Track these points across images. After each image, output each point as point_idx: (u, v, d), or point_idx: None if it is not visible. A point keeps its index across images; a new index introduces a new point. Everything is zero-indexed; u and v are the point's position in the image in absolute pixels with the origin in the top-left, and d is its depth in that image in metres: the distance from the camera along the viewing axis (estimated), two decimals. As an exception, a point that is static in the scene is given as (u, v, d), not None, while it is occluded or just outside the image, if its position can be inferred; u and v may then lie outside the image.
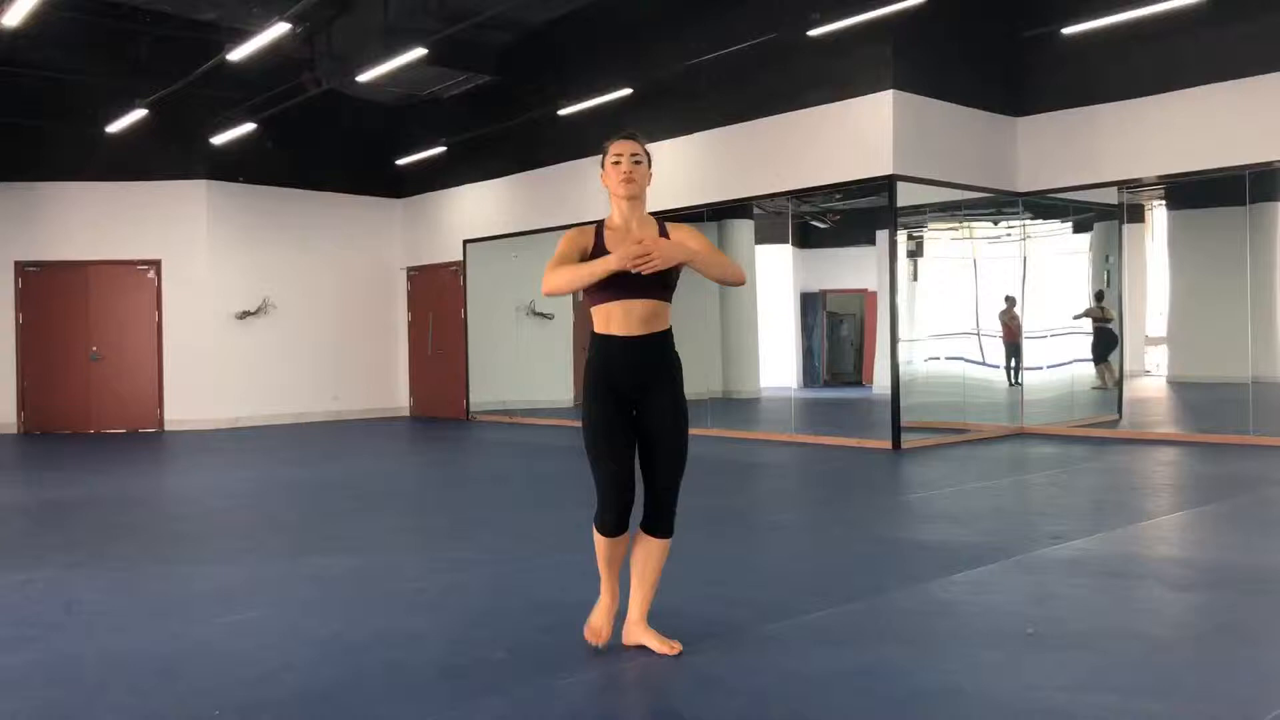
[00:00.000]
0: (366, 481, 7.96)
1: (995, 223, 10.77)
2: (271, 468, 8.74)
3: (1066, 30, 8.90)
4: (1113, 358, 11.16)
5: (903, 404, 9.23)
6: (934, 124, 9.27)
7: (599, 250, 3.18)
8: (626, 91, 10.25)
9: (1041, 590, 3.96)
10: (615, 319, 3.15)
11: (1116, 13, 8.38)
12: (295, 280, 13.42)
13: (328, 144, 13.35)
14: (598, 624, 3.26)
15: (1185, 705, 2.69)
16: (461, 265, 13.64)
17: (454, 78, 10.58)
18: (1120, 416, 11.30)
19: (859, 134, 9.09)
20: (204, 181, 12.68)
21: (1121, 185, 9.87)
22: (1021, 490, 6.71)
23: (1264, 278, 13.12)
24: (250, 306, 13.08)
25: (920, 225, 10.24)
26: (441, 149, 12.77)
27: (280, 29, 8.13)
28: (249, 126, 11.36)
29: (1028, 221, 10.58)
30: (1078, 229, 11.36)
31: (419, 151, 13.06)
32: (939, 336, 10.65)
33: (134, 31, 10.45)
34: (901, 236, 9.87)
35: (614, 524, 3.16)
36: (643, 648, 3.24)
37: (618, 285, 3.10)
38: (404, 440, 11.42)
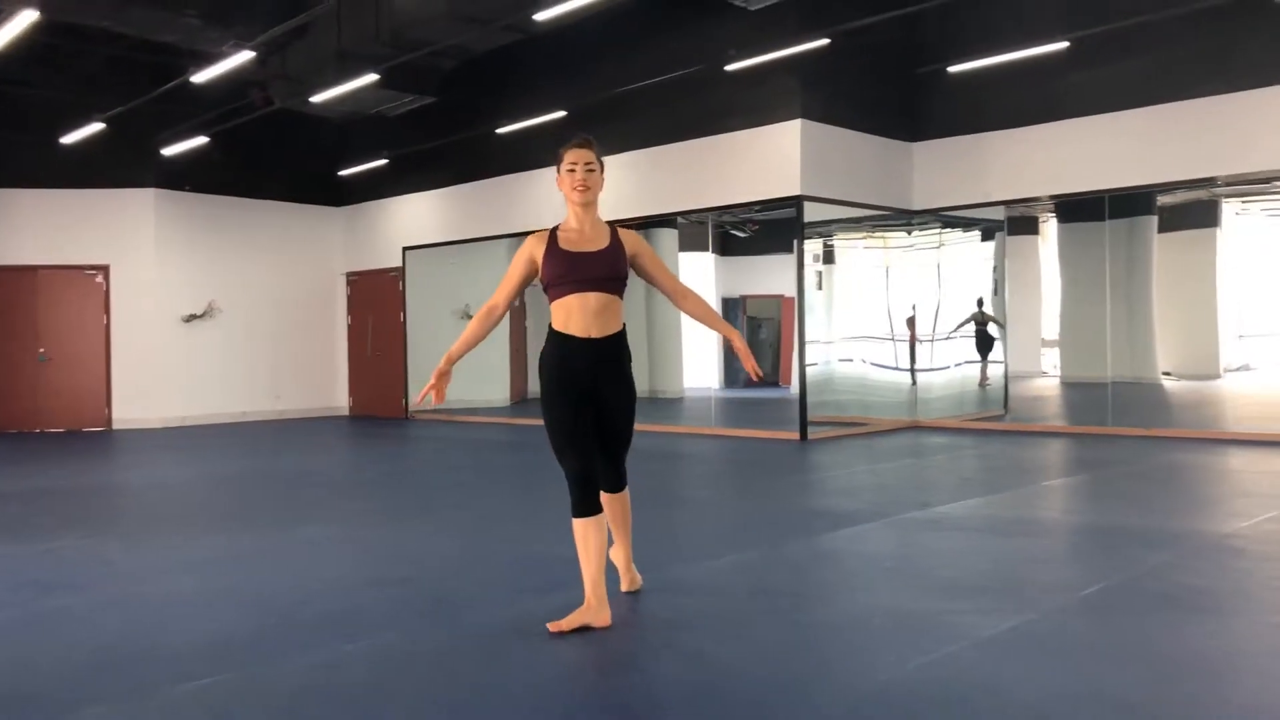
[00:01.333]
0: (327, 471, 8.72)
1: (905, 233, 11.88)
2: (228, 460, 9.43)
3: (953, 68, 10.06)
4: (991, 358, 12.39)
5: (811, 400, 10.29)
6: (837, 149, 10.36)
7: (551, 252, 3.44)
8: (561, 114, 11.15)
9: (902, 540, 4.98)
10: (574, 315, 3.40)
11: (995, 55, 9.56)
12: (240, 285, 14.01)
13: (273, 155, 13.97)
14: (574, 621, 3.40)
15: (988, 602, 3.69)
16: (401, 271, 14.38)
17: (400, 99, 11.35)
18: (1006, 411, 12.53)
19: (770, 158, 10.12)
20: (152, 190, 13.22)
21: (1003, 204, 11.09)
22: (904, 471, 7.78)
23: (1131, 286, 14.67)
24: (196, 310, 13.64)
25: (832, 235, 11.33)
26: (384, 161, 13.52)
27: (244, 56, 8.85)
28: (201, 140, 11.96)
29: (927, 233, 11.74)
30: (975, 240, 12.56)
31: (362, 163, 13.79)
32: (849, 339, 11.75)
33: (95, 50, 11.01)
34: (817, 245, 10.97)
35: (587, 507, 3.45)
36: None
37: (572, 276, 3.38)
38: (352, 437, 12.13)
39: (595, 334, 3.42)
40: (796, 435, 10.07)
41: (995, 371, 12.43)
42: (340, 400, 15.24)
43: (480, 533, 5.47)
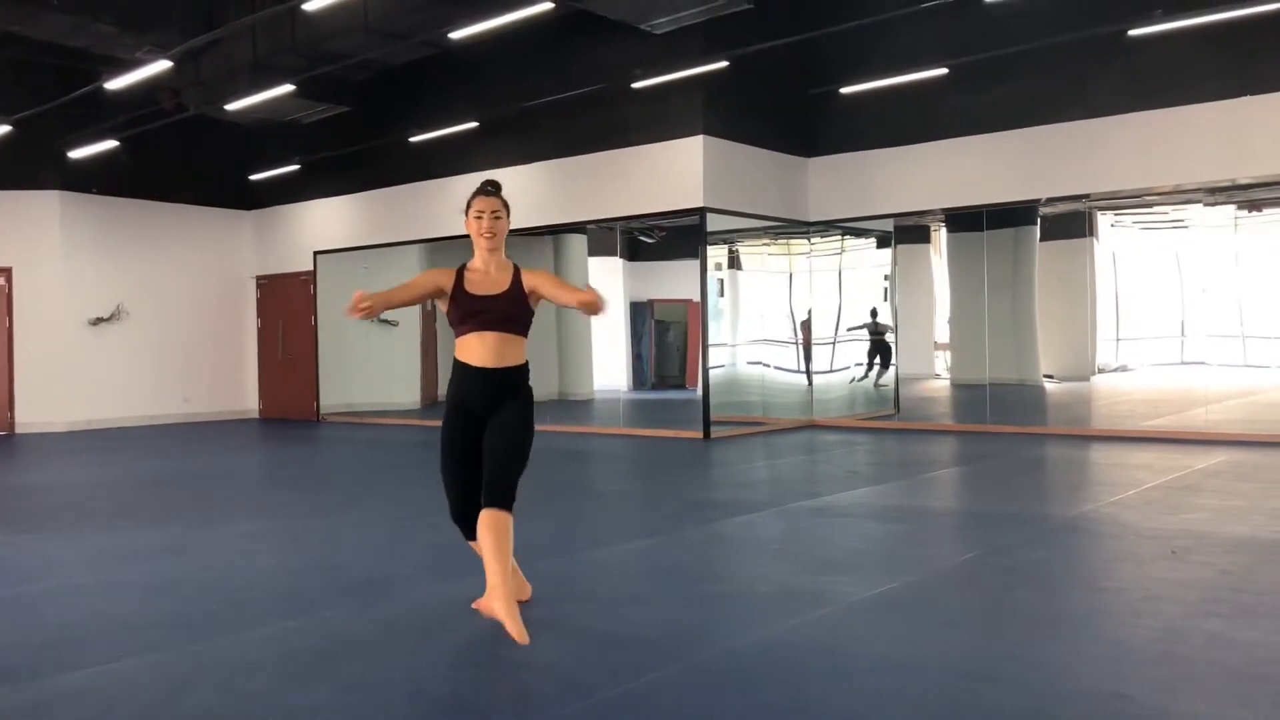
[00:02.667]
0: (248, 470, 8.93)
1: (805, 240, 12.52)
2: (144, 461, 9.55)
3: (844, 90, 10.74)
4: (880, 365, 13.17)
5: (715, 401, 10.85)
6: (738, 163, 10.95)
7: (458, 289, 3.56)
8: (473, 124, 11.51)
9: (790, 526, 5.53)
10: (473, 349, 3.54)
11: (883, 78, 10.27)
12: (148, 288, 13.98)
13: (183, 159, 13.97)
14: (486, 605, 3.45)
15: (859, 576, 4.24)
16: (312, 275, 14.52)
17: (314, 107, 11.56)
18: (897, 411, 13.30)
19: (674, 171, 10.66)
20: (56, 192, 13.13)
21: (890, 217, 11.83)
22: (797, 466, 8.38)
23: (1015, 292, 15.69)
24: (104, 313, 13.58)
25: (736, 241, 11.92)
26: (295, 167, 13.67)
27: (161, 65, 9.01)
28: (110, 144, 11.98)
29: (827, 240, 12.41)
30: (871, 248, 13.29)
31: (273, 168, 13.90)
32: (752, 342, 12.36)
33: (6, 55, 10.97)
34: (722, 251, 11.56)
35: (464, 531, 3.66)
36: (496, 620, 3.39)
37: (474, 318, 3.51)
38: (266, 438, 12.26)
39: (490, 365, 3.53)
40: (700, 434, 10.61)
41: (887, 374, 13.18)
42: (250, 403, 15.29)
43: (402, 523, 5.84)
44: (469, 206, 3.67)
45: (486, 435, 3.54)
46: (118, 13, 9.63)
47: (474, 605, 3.63)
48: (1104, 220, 21.64)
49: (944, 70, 9.98)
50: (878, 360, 12.97)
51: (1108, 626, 3.58)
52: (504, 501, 3.43)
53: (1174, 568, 4.37)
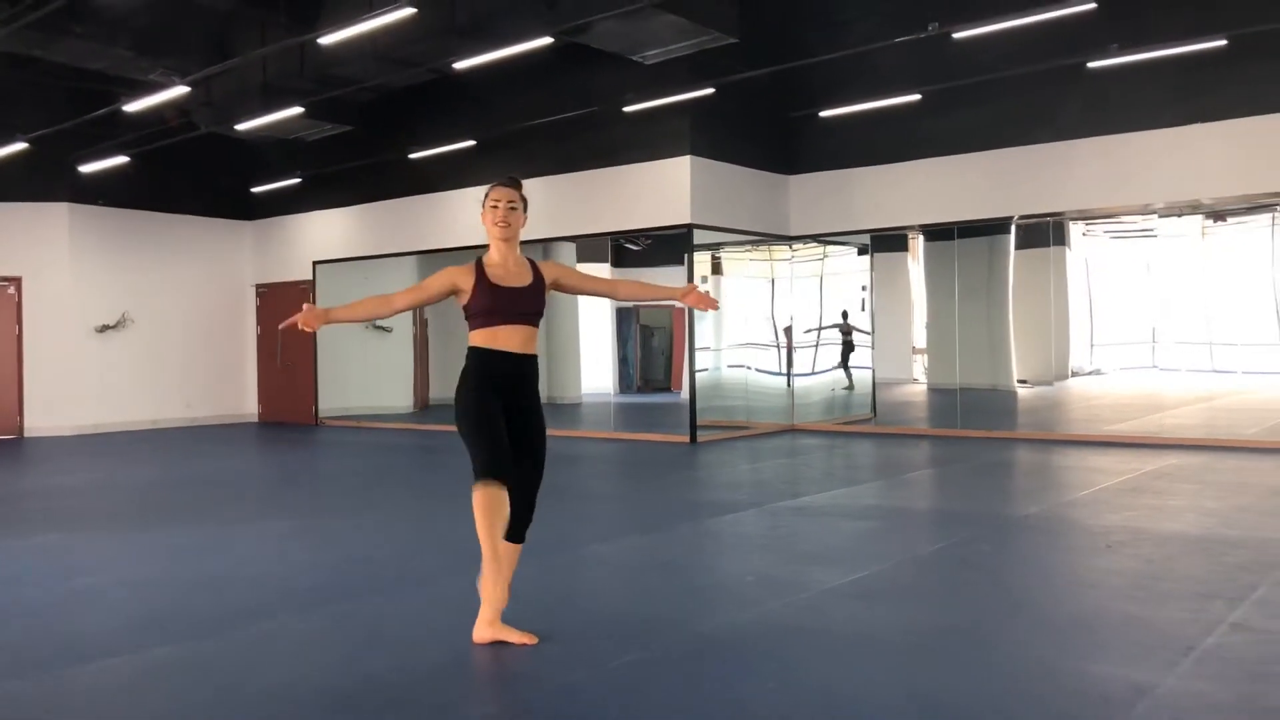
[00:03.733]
0: (260, 472, 9.46)
1: (788, 248, 13.13)
2: (159, 464, 10.06)
3: (823, 113, 11.37)
4: (854, 364, 13.85)
5: (700, 405, 11.45)
6: (723, 181, 11.56)
7: (482, 282, 3.61)
8: (471, 143, 12.07)
9: (773, 524, 6.14)
10: (500, 337, 3.62)
11: (859, 103, 10.90)
12: (152, 296, 14.46)
13: (187, 172, 14.44)
14: (487, 635, 3.61)
15: (833, 566, 4.84)
16: (312, 284, 15.03)
17: (319, 126, 12.08)
18: (874, 415, 13.93)
19: (663, 189, 11.25)
20: (65, 204, 13.60)
21: (867, 232, 12.47)
22: (778, 468, 8.99)
23: (990, 299, 16.39)
24: (110, 320, 14.06)
25: (722, 249, 12.52)
26: (297, 180, 14.19)
27: (179, 90, 9.53)
28: (119, 159, 12.46)
29: (809, 248, 13.03)
30: (851, 256, 13.91)
31: (275, 181, 14.42)
32: (736, 346, 12.97)
33: (21, 73, 11.43)
34: (707, 256, 12.18)
35: (499, 467, 3.48)
36: (499, 643, 3.61)
37: (503, 311, 3.59)
38: (270, 442, 12.77)
39: (518, 350, 3.66)
40: (687, 438, 11.21)
41: (861, 377, 13.81)
42: (250, 407, 15.78)
43: (420, 521, 6.41)
44: (486, 196, 3.72)
45: (519, 433, 3.63)
46: (135, 38, 10.13)
47: (476, 639, 3.65)
48: (1075, 229, 22.42)
49: (917, 96, 10.61)
50: (850, 360, 13.66)
51: (1043, 608, 4.20)
52: (525, 534, 3.74)
53: (1107, 559, 4.99)
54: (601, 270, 17.36)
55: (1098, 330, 25.95)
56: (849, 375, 13.82)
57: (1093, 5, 8.15)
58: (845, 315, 13.56)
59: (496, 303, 3.61)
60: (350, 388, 15.09)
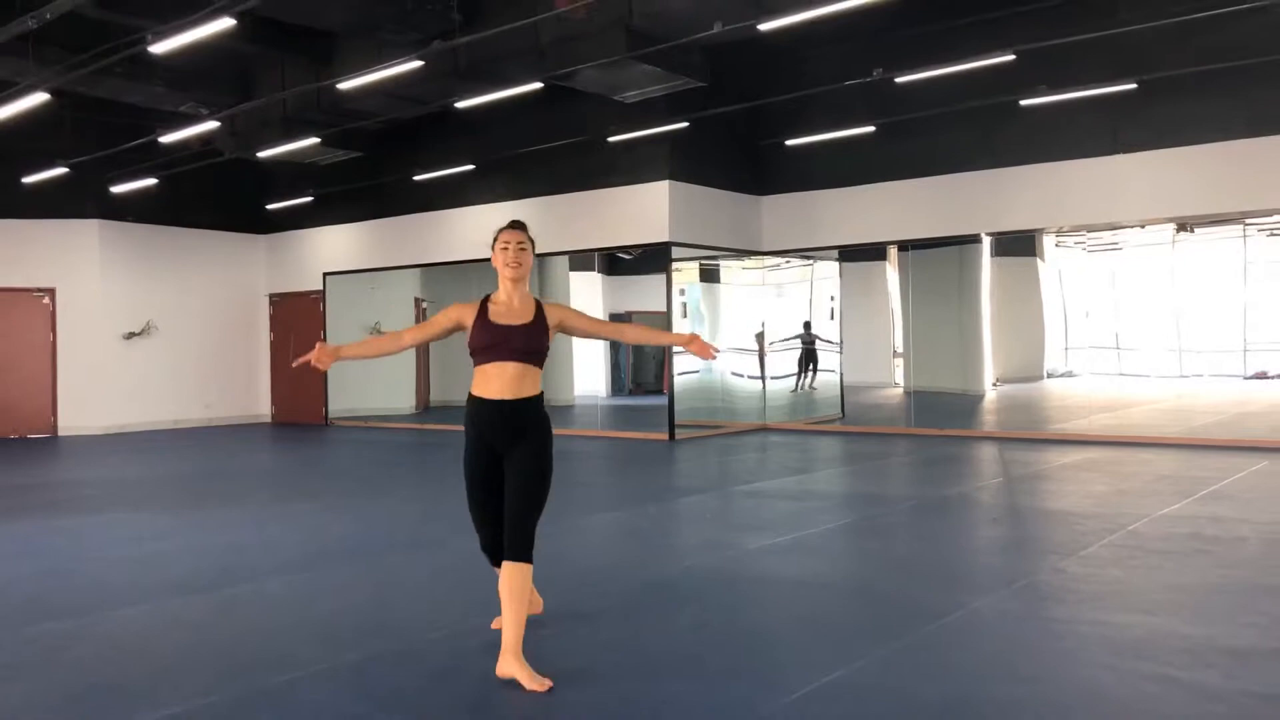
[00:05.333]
0: (284, 465, 10.64)
1: (761, 259, 14.35)
2: (192, 459, 11.23)
3: (789, 142, 12.58)
4: (810, 370, 15.07)
5: (681, 407, 12.62)
6: (699, 203, 12.75)
7: (481, 319, 3.68)
8: (470, 167, 13.27)
9: (725, 503, 7.33)
10: (491, 381, 3.64)
11: (821, 133, 12.10)
12: (174, 305, 15.64)
13: (207, 190, 15.62)
14: (504, 669, 3.45)
15: (768, 532, 6.01)
16: (322, 294, 16.22)
17: (332, 153, 13.26)
18: (843, 415, 15.10)
19: (644, 210, 12.44)
20: (96, 221, 14.78)
21: (832, 248, 13.67)
22: (743, 462, 10.17)
23: (962, 305, 17.66)
24: (136, 328, 15.23)
25: (708, 258, 13.70)
26: (308, 198, 15.38)
27: (210, 125, 10.71)
28: (148, 181, 13.64)
29: (779, 264, 14.23)
30: (819, 266, 15.09)
31: (288, 200, 15.60)
32: (719, 351, 14.12)
33: (65, 107, 12.61)
34: (694, 266, 13.38)
35: (489, 557, 3.79)
36: (513, 680, 3.43)
37: (495, 348, 3.63)
38: (287, 440, 13.95)
39: (508, 396, 3.64)
40: (666, 436, 12.39)
41: (824, 379, 15.01)
42: (263, 408, 16.95)
43: (429, 503, 7.59)
44: (495, 240, 3.83)
45: (507, 475, 3.66)
46: (168, 75, 11.30)
47: (499, 674, 3.46)
48: (1049, 240, 23.68)
49: (871, 128, 11.81)
50: (810, 367, 14.89)
51: (919, 561, 5.39)
52: (523, 552, 3.56)
53: (990, 530, 6.19)
54: (591, 279, 18.66)
55: (1071, 335, 27.32)
56: (806, 378, 15.02)
57: (1012, 57, 9.37)
58: (807, 325, 14.76)
59: (490, 339, 3.65)
60: (357, 390, 16.26)
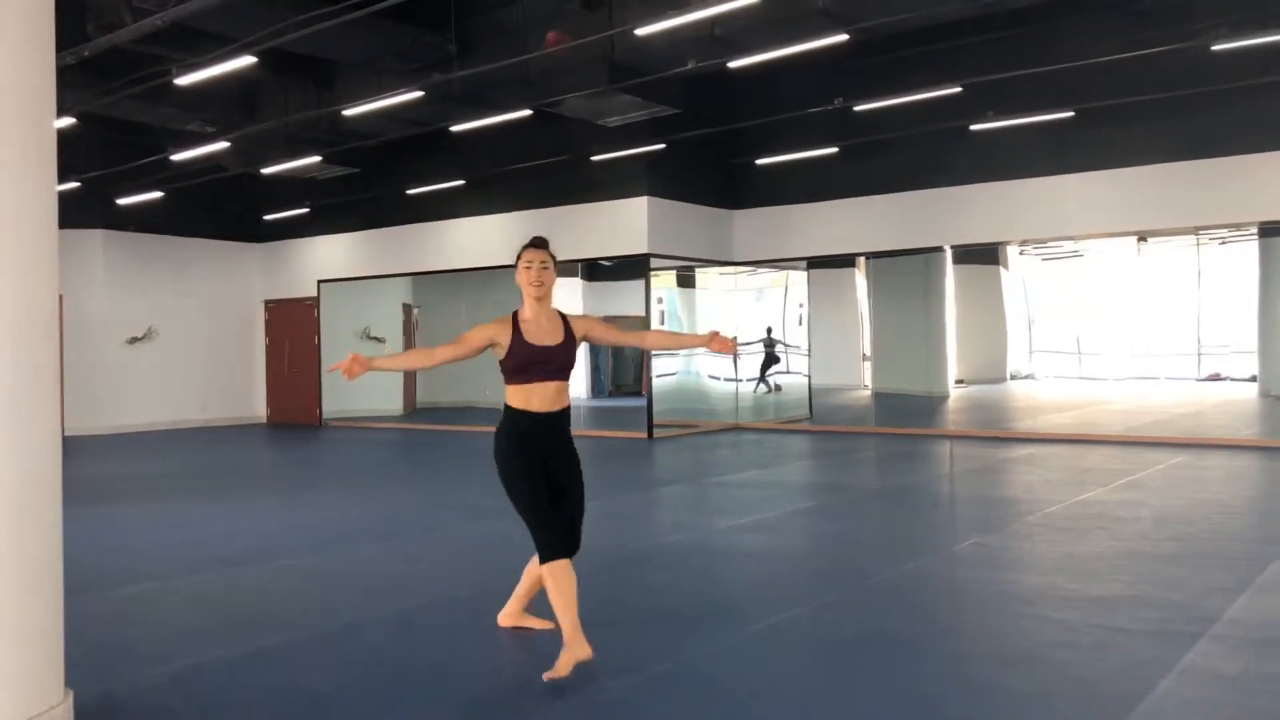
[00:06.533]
0: (292, 461, 11.45)
1: (733, 272, 15.28)
2: (202, 456, 12.01)
3: (759, 161, 13.51)
4: (772, 373, 16.02)
5: (660, 407, 13.51)
6: (676, 217, 13.65)
7: (517, 342, 3.76)
8: (461, 182, 14.12)
9: (697, 492, 8.23)
10: (534, 397, 3.79)
11: (788, 154, 13.03)
12: (174, 311, 16.38)
13: (208, 203, 16.38)
14: (567, 664, 3.57)
15: (733, 514, 6.90)
16: (316, 300, 17.00)
17: (330, 169, 14.06)
18: (811, 415, 16.03)
19: (624, 223, 13.33)
20: (101, 231, 15.52)
21: (800, 259, 14.60)
22: (715, 458, 11.07)
23: (927, 311, 18.63)
24: (138, 333, 15.97)
25: (686, 266, 14.61)
26: (305, 210, 16.17)
27: (212, 141, 11.50)
28: (155, 194, 14.40)
29: (753, 270, 15.16)
30: (790, 273, 16.02)
31: (284, 211, 16.39)
32: (691, 355, 15.03)
33: (85, 127, 13.35)
34: (671, 274, 14.27)
35: (555, 550, 3.72)
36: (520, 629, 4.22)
37: (535, 368, 3.77)
38: (288, 439, 14.73)
39: (553, 409, 3.83)
40: (645, 434, 13.27)
41: (785, 381, 15.95)
42: (259, 410, 17.71)
43: (430, 495, 8.44)
44: (519, 257, 3.91)
45: (563, 480, 3.88)
46: (180, 98, 12.08)
47: (546, 677, 3.55)
48: (1013, 249, 24.79)
49: (835, 149, 12.75)
50: (772, 370, 15.89)
51: (861, 537, 6.30)
52: (578, 546, 3.91)
53: (930, 514, 7.12)
54: (573, 285, 19.46)
55: (1033, 339, 28.49)
56: (766, 383, 15.96)
57: (959, 89, 10.32)
58: (770, 331, 15.71)
59: (531, 360, 3.77)
60: (349, 392, 17.04)
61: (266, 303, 17.72)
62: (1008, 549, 5.76)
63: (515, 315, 3.86)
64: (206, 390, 16.87)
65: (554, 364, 3.80)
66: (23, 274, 3.13)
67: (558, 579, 3.69)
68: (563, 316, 3.90)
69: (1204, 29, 9.66)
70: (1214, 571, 5.04)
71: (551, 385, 3.82)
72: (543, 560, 3.73)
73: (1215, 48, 9.30)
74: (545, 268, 3.86)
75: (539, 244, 3.94)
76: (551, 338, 3.83)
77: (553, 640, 3.87)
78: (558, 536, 3.77)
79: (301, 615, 4.57)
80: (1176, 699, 3.31)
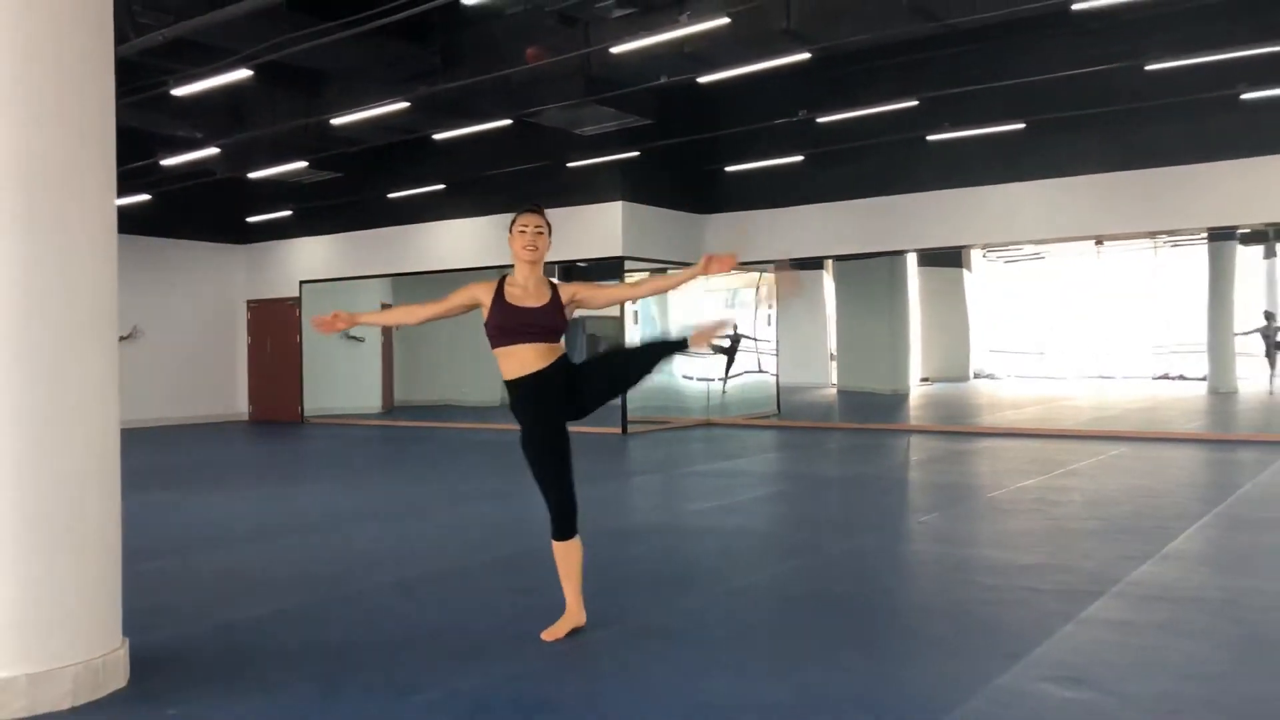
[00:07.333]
0: (285, 455, 11.93)
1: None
2: (200, 451, 12.45)
3: (729, 168, 14.12)
4: (733, 371, 16.65)
5: (633, 405, 14.07)
6: (649, 221, 14.23)
7: (497, 302, 3.79)
8: (441, 186, 14.63)
9: (668, 482, 8.81)
10: (521, 359, 3.80)
11: (757, 161, 13.64)
12: (158, 310, 16.77)
13: (192, 205, 16.76)
14: (564, 628, 3.98)
15: (706, 500, 7.47)
16: (298, 301, 17.43)
17: (315, 174, 14.52)
18: (778, 411, 16.65)
19: (600, 227, 13.89)
20: (88, 232, 15.86)
21: (770, 262, 15.22)
22: (685, 451, 11.65)
23: (891, 312, 19.24)
24: (123, 332, 16.33)
25: (661, 270, 15.18)
26: (288, 212, 16.62)
27: (199, 144, 11.95)
28: (142, 197, 14.80)
29: (721, 277, 15.77)
30: (768, 278, 16.66)
31: (267, 213, 16.82)
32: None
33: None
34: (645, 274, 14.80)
35: (565, 533, 4.07)
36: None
37: (517, 331, 3.77)
38: (273, 435, 15.16)
39: (542, 365, 3.84)
40: (619, 430, 13.83)
41: (753, 380, 16.57)
42: (241, 407, 18.12)
43: (420, 481, 8.96)
44: (513, 223, 3.88)
45: (592, 380, 4.01)
46: (172, 107, 12.51)
47: (544, 636, 3.96)
48: (975, 254, 25.57)
49: (800, 157, 13.38)
50: (731, 364, 16.55)
51: (824, 518, 6.90)
52: (574, 530, 4.19)
53: (878, 497, 7.74)
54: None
55: (995, 338, 29.31)
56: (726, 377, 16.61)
57: (915, 103, 10.96)
58: (735, 327, 16.35)
59: (510, 321, 3.79)
60: (329, 390, 17.51)
61: (249, 303, 18.13)
62: (949, 527, 6.37)
63: (502, 279, 3.90)
64: (190, 388, 17.25)
65: (536, 325, 3.81)
66: (97, 278, 3.65)
67: (562, 556, 4.07)
68: (552, 283, 3.91)
69: (1142, 49, 10.36)
70: (1126, 544, 5.68)
71: (535, 347, 3.82)
72: (555, 537, 4.10)
73: (1149, 68, 9.99)
74: (540, 233, 3.86)
75: (535, 209, 3.92)
76: (536, 300, 3.84)
77: (543, 599, 4.42)
78: (563, 519, 4.14)
79: (313, 583, 5.10)
80: (1072, 641, 3.92)
